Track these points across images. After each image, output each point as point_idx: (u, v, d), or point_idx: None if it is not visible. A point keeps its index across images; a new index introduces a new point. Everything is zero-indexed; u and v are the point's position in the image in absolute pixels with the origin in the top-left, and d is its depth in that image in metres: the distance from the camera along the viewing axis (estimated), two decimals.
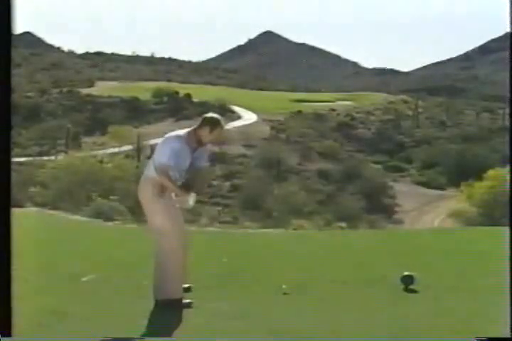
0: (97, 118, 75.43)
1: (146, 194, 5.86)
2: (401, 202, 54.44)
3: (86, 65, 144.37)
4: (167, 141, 5.83)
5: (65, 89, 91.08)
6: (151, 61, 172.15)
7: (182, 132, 5.92)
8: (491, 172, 40.36)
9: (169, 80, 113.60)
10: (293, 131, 72.44)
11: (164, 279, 5.81)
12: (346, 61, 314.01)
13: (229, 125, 69.86)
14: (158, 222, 5.81)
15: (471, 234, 11.79)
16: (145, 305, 5.84)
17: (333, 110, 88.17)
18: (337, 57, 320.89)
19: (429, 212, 50.91)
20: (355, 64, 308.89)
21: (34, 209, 17.33)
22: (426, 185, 60.38)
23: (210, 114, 6.07)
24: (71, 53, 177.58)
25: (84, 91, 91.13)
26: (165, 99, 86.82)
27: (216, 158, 49.18)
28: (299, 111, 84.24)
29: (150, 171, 5.89)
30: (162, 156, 5.68)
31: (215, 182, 52.91)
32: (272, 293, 6.52)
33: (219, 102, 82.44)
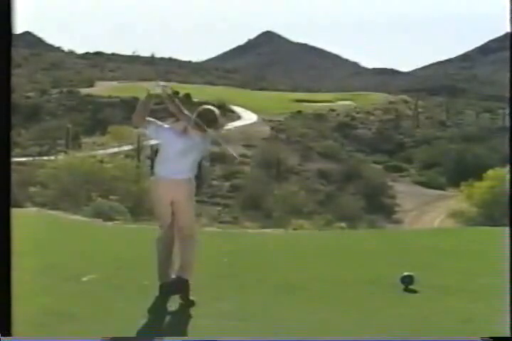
0: (97, 118, 75.36)
1: (189, 194, 6.25)
2: (401, 202, 54.40)
3: (86, 65, 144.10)
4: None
5: (65, 89, 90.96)
6: (151, 61, 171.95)
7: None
8: (490, 172, 40.35)
9: (169, 80, 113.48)
10: (293, 131, 72.37)
11: (192, 262, 6.17)
12: (346, 61, 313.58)
13: (229, 125, 69.90)
14: (192, 218, 6.34)
15: (471, 234, 11.79)
16: (145, 305, 5.84)
17: (333, 110, 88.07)
18: (337, 57, 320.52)
19: (429, 212, 50.87)
20: (355, 64, 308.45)
21: (34, 209, 17.29)
22: (426, 185, 60.32)
23: (206, 108, 6.53)
24: (71, 53, 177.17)
25: (84, 91, 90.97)
26: None
27: (216, 158, 49.11)
28: (299, 111, 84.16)
29: (189, 172, 6.30)
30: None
31: (215, 182, 52.88)
32: (272, 293, 6.52)
33: (219, 102, 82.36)
